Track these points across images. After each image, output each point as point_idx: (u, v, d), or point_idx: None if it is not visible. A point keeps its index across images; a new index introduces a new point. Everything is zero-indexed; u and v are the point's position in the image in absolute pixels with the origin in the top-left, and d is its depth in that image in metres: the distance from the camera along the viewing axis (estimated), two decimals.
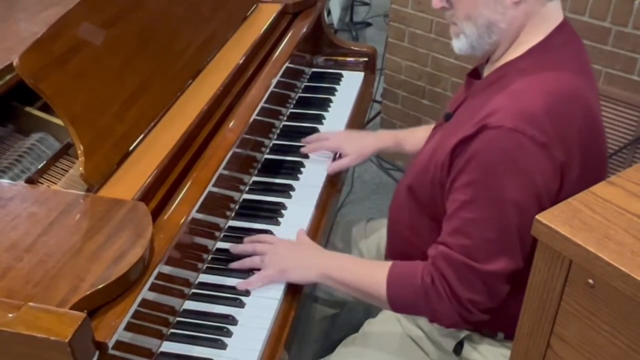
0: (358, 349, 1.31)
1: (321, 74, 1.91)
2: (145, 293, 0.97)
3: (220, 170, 1.25)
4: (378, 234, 1.57)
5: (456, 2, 1.14)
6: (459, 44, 1.18)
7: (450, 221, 1.13)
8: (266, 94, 1.48)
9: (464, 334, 1.25)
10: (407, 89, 2.80)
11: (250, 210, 1.39)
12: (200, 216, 1.19)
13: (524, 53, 1.13)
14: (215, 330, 1.12)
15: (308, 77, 1.89)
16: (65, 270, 0.90)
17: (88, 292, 0.87)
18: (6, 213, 1.01)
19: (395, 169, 2.79)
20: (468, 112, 1.16)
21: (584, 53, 1.18)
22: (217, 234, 1.30)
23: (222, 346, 1.10)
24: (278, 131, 1.64)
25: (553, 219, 0.80)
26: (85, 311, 0.84)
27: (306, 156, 1.56)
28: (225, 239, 1.31)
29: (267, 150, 1.57)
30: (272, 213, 1.38)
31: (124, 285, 0.92)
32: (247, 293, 1.20)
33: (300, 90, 1.82)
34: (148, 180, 1.12)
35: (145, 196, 1.09)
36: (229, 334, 1.12)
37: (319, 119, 1.70)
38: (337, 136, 1.57)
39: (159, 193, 1.14)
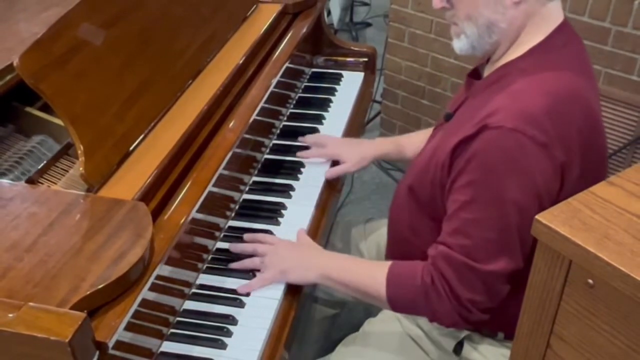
0: (358, 348, 1.31)
1: (321, 74, 1.91)
2: (146, 293, 0.97)
3: (221, 170, 1.25)
4: (378, 234, 1.57)
5: (457, 2, 1.14)
6: (459, 44, 1.18)
7: (450, 221, 1.13)
8: (266, 94, 1.49)
9: (464, 333, 1.25)
10: (407, 89, 2.80)
11: (250, 210, 1.39)
12: (200, 216, 1.19)
13: (524, 53, 1.13)
14: (216, 330, 1.12)
15: (308, 77, 1.89)
16: (66, 270, 0.90)
17: (88, 292, 0.87)
18: (6, 213, 1.01)
19: (395, 169, 2.79)
20: (468, 112, 1.16)
21: (584, 53, 1.18)
22: (217, 234, 1.30)
23: (222, 346, 1.10)
24: (278, 131, 1.64)
25: (553, 219, 0.80)
26: (86, 311, 0.85)
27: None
28: (226, 239, 1.31)
29: (267, 151, 1.57)
30: (272, 213, 1.38)
31: (124, 285, 0.93)
32: (247, 293, 1.20)
33: (300, 91, 1.83)
34: (148, 181, 1.12)
35: (146, 196, 1.09)
36: (229, 334, 1.12)
37: (319, 119, 1.70)
38: (335, 143, 1.56)
39: (159, 193, 1.14)
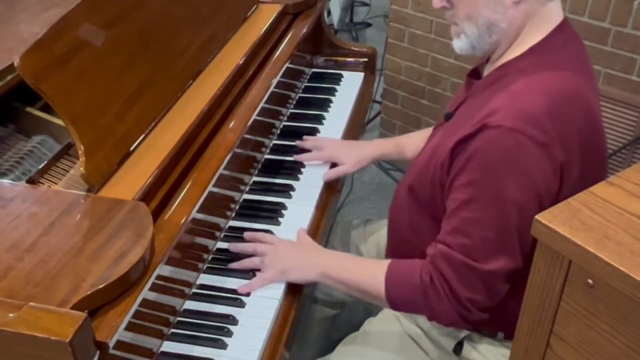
0: (358, 348, 1.31)
1: (321, 74, 1.91)
2: (146, 293, 0.97)
3: (221, 171, 1.25)
4: (377, 235, 1.57)
5: (457, 2, 1.14)
6: (459, 44, 1.18)
7: (449, 220, 1.13)
8: (266, 95, 1.49)
9: (463, 333, 1.25)
10: (406, 89, 2.80)
11: (251, 211, 1.39)
12: (200, 216, 1.19)
13: (524, 53, 1.13)
14: (216, 330, 1.12)
15: (308, 77, 1.89)
16: (66, 270, 0.90)
17: (89, 292, 0.87)
18: (7, 213, 1.01)
19: (395, 169, 2.79)
20: (468, 112, 1.16)
21: (584, 53, 1.19)
22: (217, 234, 1.30)
23: (223, 346, 1.10)
24: (278, 131, 1.65)
25: (553, 219, 0.80)
26: (86, 311, 0.85)
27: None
28: (226, 239, 1.31)
29: (268, 151, 1.57)
30: (272, 213, 1.39)
31: (125, 285, 0.93)
32: (247, 293, 1.20)
33: (301, 91, 1.83)
34: (149, 181, 1.12)
35: (146, 196, 1.10)
36: (229, 333, 1.12)
37: (319, 119, 1.70)
38: (333, 145, 1.56)
39: (159, 193, 1.14)
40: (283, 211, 1.40)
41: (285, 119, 1.70)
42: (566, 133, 1.06)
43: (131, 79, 1.22)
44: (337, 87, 1.85)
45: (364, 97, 1.87)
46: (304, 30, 1.74)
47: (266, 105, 1.50)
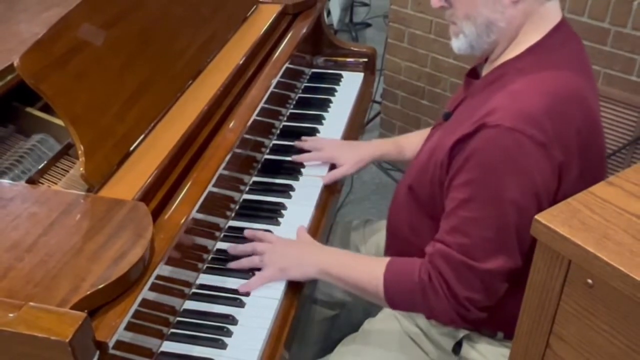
0: (357, 348, 1.31)
1: (321, 74, 1.92)
2: (146, 293, 0.97)
3: (221, 171, 1.25)
4: (377, 236, 1.57)
5: (455, 1, 1.14)
6: (458, 44, 1.18)
7: (448, 219, 1.13)
8: (266, 95, 1.49)
9: (462, 333, 1.25)
10: (406, 89, 2.80)
11: (251, 211, 1.39)
12: (200, 216, 1.19)
13: (522, 52, 1.13)
14: (216, 330, 1.12)
15: (308, 77, 1.89)
16: (66, 270, 0.90)
17: (89, 292, 0.87)
18: (7, 213, 1.01)
19: (394, 169, 2.79)
20: (467, 112, 1.16)
21: (583, 52, 1.19)
22: (217, 234, 1.30)
23: (223, 346, 1.10)
24: (278, 131, 1.65)
25: (552, 219, 0.80)
26: (86, 311, 0.85)
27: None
28: (226, 239, 1.31)
29: (267, 151, 1.57)
30: (272, 213, 1.39)
31: (125, 285, 0.93)
32: (247, 293, 1.20)
33: (300, 91, 1.83)
34: (148, 181, 1.12)
35: (146, 196, 1.10)
36: (229, 333, 1.12)
37: (318, 119, 1.70)
38: (332, 146, 1.56)
39: (159, 193, 1.14)
40: (283, 211, 1.40)
41: (285, 119, 1.70)
42: (565, 133, 1.06)
43: (131, 79, 1.22)
44: (336, 87, 1.85)
45: (364, 97, 1.87)
46: (304, 31, 1.74)
47: (266, 106, 1.50)
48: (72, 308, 0.85)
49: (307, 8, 1.83)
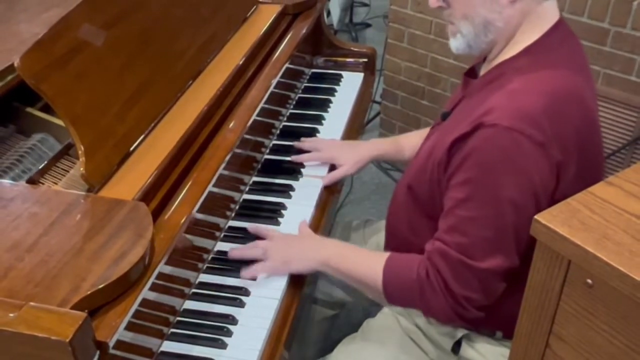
0: (357, 348, 1.31)
1: (321, 74, 1.92)
2: (146, 293, 0.98)
3: (221, 171, 1.25)
4: (377, 236, 1.57)
5: (453, 1, 1.15)
6: (456, 43, 1.18)
7: (446, 218, 1.13)
8: (266, 95, 1.49)
9: (462, 333, 1.25)
10: (406, 89, 2.80)
11: (251, 211, 1.39)
12: (200, 216, 1.19)
13: (520, 52, 1.13)
14: (216, 330, 1.12)
15: (308, 77, 1.89)
16: (66, 270, 0.91)
17: (89, 292, 0.87)
18: (7, 213, 1.01)
19: (394, 169, 2.79)
20: (465, 111, 1.16)
21: (581, 52, 1.19)
22: (217, 234, 1.31)
23: (223, 346, 1.10)
24: (278, 132, 1.65)
25: (552, 219, 0.80)
26: (86, 311, 0.85)
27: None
28: (226, 239, 1.31)
29: (267, 151, 1.57)
30: (272, 213, 1.39)
31: (125, 285, 0.93)
32: (247, 293, 1.20)
33: (300, 91, 1.83)
34: (149, 181, 1.12)
35: (146, 196, 1.10)
36: (229, 333, 1.12)
37: (318, 119, 1.71)
38: (330, 147, 1.56)
39: (159, 193, 1.14)
40: (283, 211, 1.40)
41: (285, 119, 1.70)
42: (563, 132, 1.06)
43: (131, 80, 1.22)
44: (336, 87, 1.85)
45: (364, 98, 1.87)
46: (304, 31, 1.75)
47: (266, 106, 1.50)
48: (72, 308, 0.85)
49: (307, 8, 1.83)
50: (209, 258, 1.26)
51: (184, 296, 1.17)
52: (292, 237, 1.31)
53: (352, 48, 1.97)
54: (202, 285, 1.21)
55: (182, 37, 1.41)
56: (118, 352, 0.91)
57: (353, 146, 1.57)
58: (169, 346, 1.08)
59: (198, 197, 1.17)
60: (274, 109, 1.61)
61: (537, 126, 1.04)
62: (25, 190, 1.08)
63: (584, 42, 1.21)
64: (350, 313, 1.58)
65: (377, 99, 2.95)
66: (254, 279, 1.21)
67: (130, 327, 0.94)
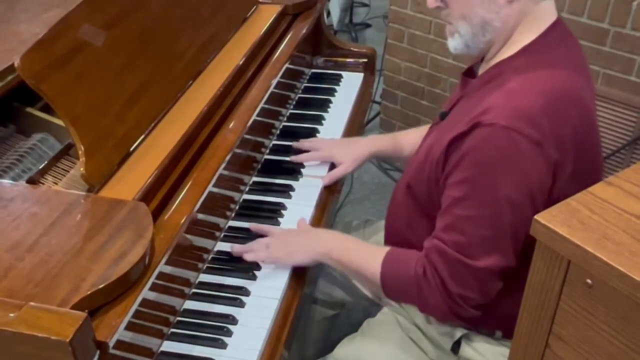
0: (357, 348, 1.32)
1: (321, 74, 1.92)
2: (146, 293, 0.98)
3: (221, 171, 1.25)
4: (377, 236, 1.57)
5: (451, 1, 1.15)
6: (454, 43, 1.19)
7: (443, 217, 1.14)
8: (266, 95, 1.49)
9: (461, 332, 1.25)
10: (406, 89, 2.81)
11: (250, 211, 1.39)
12: (200, 216, 1.20)
13: (518, 51, 1.14)
14: (216, 330, 1.12)
15: (308, 78, 1.90)
16: (67, 270, 0.91)
17: (89, 292, 0.87)
18: (8, 213, 1.01)
19: (394, 169, 2.79)
20: (463, 111, 1.17)
21: (579, 51, 1.19)
22: (217, 234, 1.31)
23: (223, 345, 1.10)
24: (278, 132, 1.65)
25: (552, 219, 0.80)
26: (86, 311, 0.85)
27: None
28: (226, 239, 1.31)
29: (267, 151, 1.57)
30: (272, 213, 1.39)
31: (125, 285, 0.93)
32: (247, 293, 1.20)
33: (300, 91, 1.83)
34: (149, 181, 1.12)
35: (146, 196, 1.10)
36: (229, 333, 1.12)
37: (318, 119, 1.71)
38: (328, 145, 1.56)
39: (159, 193, 1.14)
40: (283, 211, 1.40)
41: (285, 119, 1.70)
42: (561, 131, 1.06)
43: (131, 80, 1.22)
44: (336, 87, 1.85)
45: (364, 98, 1.87)
46: (304, 31, 1.75)
47: (266, 106, 1.50)
48: (72, 308, 0.85)
49: (307, 8, 1.83)
50: (209, 258, 1.27)
51: (184, 296, 1.17)
52: (294, 230, 1.33)
53: (352, 48, 1.97)
54: (202, 285, 1.21)
55: (182, 37, 1.41)
56: (118, 352, 0.91)
57: (351, 143, 1.58)
58: (169, 346, 1.09)
59: (198, 197, 1.17)
60: (274, 109, 1.61)
61: (534, 125, 1.04)
62: (26, 190, 1.08)
63: (583, 42, 1.21)
64: (350, 313, 1.58)
65: (377, 99, 2.95)
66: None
67: (130, 327, 0.94)
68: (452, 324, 1.24)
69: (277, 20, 1.74)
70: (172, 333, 1.11)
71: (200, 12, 1.50)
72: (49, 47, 1.08)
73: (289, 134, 1.64)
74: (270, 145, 1.60)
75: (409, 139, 1.56)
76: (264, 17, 1.71)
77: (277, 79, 1.56)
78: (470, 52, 1.19)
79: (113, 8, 1.23)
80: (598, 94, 2.02)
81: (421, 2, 2.55)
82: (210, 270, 1.24)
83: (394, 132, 2.87)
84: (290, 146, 1.58)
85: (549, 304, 0.84)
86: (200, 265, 1.23)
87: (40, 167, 1.17)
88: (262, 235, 1.31)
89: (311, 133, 1.65)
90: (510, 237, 1.09)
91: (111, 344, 0.88)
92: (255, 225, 1.33)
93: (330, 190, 1.51)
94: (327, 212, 1.46)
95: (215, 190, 1.25)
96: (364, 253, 1.26)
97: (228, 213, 1.36)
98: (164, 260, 1.03)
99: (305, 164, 1.53)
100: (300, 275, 1.28)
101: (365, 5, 4.22)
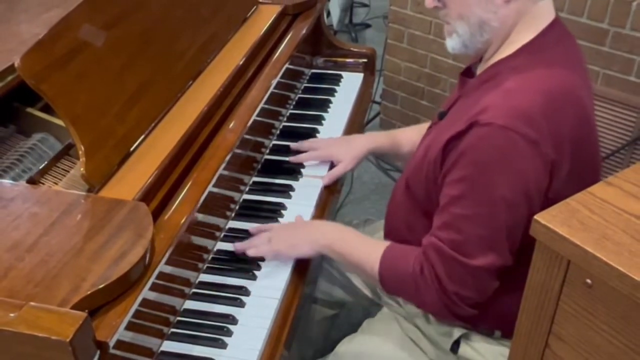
0: (356, 348, 1.32)
1: (321, 75, 1.92)
2: (146, 293, 0.98)
3: (221, 171, 1.25)
4: (377, 236, 1.57)
5: (449, 1, 1.15)
6: (452, 43, 1.19)
7: (441, 215, 1.14)
8: (266, 95, 1.49)
9: (460, 332, 1.25)
10: (406, 89, 2.81)
11: (251, 211, 1.39)
12: (200, 216, 1.20)
13: (516, 51, 1.14)
14: (216, 330, 1.12)
15: (308, 78, 1.90)
16: (67, 270, 0.91)
17: (89, 292, 0.88)
18: (8, 213, 1.01)
19: (394, 169, 2.80)
20: (461, 110, 1.17)
21: (577, 51, 1.19)
22: (217, 234, 1.31)
23: (223, 345, 1.10)
24: (278, 132, 1.65)
25: (551, 219, 0.80)
26: (87, 311, 0.85)
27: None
28: (226, 239, 1.31)
29: (267, 151, 1.57)
30: (272, 213, 1.39)
31: (125, 285, 0.93)
32: (247, 292, 1.20)
33: (300, 91, 1.83)
34: (149, 181, 1.12)
35: (146, 196, 1.10)
36: (229, 333, 1.12)
37: (318, 119, 1.71)
38: (326, 144, 1.56)
39: (159, 193, 1.14)
40: (283, 211, 1.40)
41: (285, 119, 1.70)
42: (558, 131, 1.06)
43: (131, 80, 1.23)
44: (336, 87, 1.85)
45: (364, 98, 1.87)
46: (304, 31, 1.75)
47: (266, 106, 1.50)
48: (72, 308, 0.85)
49: (307, 9, 1.83)
50: (209, 258, 1.27)
51: (184, 296, 1.17)
52: (294, 223, 1.34)
53: (351, 48, 1.97)
54: (203, 285, 1.21)
55: (183, 37, 1.41)
56: (118, 352, 0.91)
57: (349, 141, 1.58)
58: (169, 346, 1.09)
59: (198, 197, 1.17)
60: (274, 109, 1.61)
61: (532, 125, 1.04)
62: (26, 190, 1.09)
63: (583, 42, 1.22)
64: (350, 313, 1.58)
65: (377, 99, 2.95)
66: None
67: (130, 327, 0.94)
68: (451, 324, 1.24)
69: (277, 20, 1.74)
70: (172, 333, 1.11)
71: (200, 12, 1.50)
72: (49, 47, 1.09)
73: (289, 134, 1.64)
74: (270, 145, 1.60)
75: (407, 137, 1.56)
76: (264, 17, 1.71)
77: (277, 79, 1.56)
78: (468, 52, 1.20)
79: (113, 8, 1.23)
80: (597, 94, 2.02)
81: (421, 2, 2.55)
82: (210, 270, 1.24)
83: None
84: (290, 146, 1.58)
85: (549, 304, 0.85)
86: (200, 265, 1.23)
87: (41, 167, 1.17)
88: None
89: (311, 133, 1.65)
90: (507, 236, 1.09)
91: (111, 343, 0.88)
92: (255, 228, 1.32)
93: (330, 190, 1.52)
94: (327, 212, 1.46)
95: (215, 190, 1.25)
96: (365, 246, 1.26)
97: (228, 213, 1.36)
98: (164, 260, 1.03)
99: (305, 163, 1.53)
100: (301, 275, 1.28)
101: (365, 5, 4.22)
